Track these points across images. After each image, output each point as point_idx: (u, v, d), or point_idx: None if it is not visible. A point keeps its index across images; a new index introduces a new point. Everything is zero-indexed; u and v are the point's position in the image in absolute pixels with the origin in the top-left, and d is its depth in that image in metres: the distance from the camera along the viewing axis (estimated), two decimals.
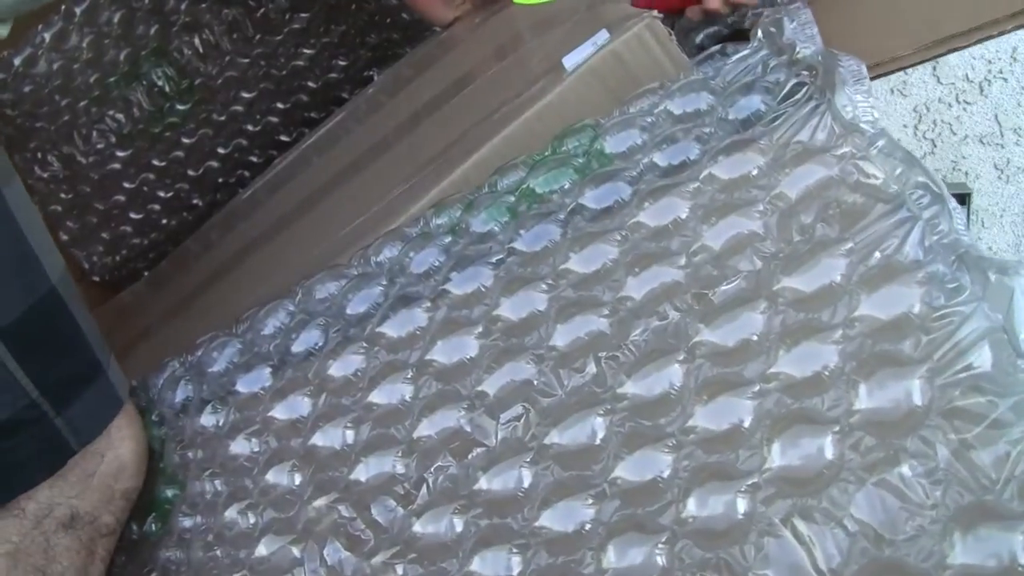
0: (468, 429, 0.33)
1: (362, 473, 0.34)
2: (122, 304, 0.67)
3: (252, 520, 0.38)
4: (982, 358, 0.25)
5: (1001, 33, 0.42)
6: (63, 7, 0.60)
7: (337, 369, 0.39)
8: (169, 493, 0.46)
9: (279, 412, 0.39)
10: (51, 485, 0.42)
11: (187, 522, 0.42)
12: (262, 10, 0.65)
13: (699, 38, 0.53)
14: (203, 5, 0.62)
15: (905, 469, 0.24)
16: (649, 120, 0.38)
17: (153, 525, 0.46)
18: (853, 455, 0.25)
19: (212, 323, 0.53)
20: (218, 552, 0.38)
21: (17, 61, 0.61)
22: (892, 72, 0.47)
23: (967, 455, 0.24)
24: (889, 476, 0.24)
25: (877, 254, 0.28)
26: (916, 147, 0.78)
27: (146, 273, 0.71)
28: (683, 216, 0.33)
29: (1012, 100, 0.72)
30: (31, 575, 0.41)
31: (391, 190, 0.48)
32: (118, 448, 0.45)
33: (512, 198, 0.39)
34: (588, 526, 0.28)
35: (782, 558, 0.24)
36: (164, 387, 0.47)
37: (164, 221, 0.71)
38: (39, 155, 0.65)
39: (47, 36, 0.61)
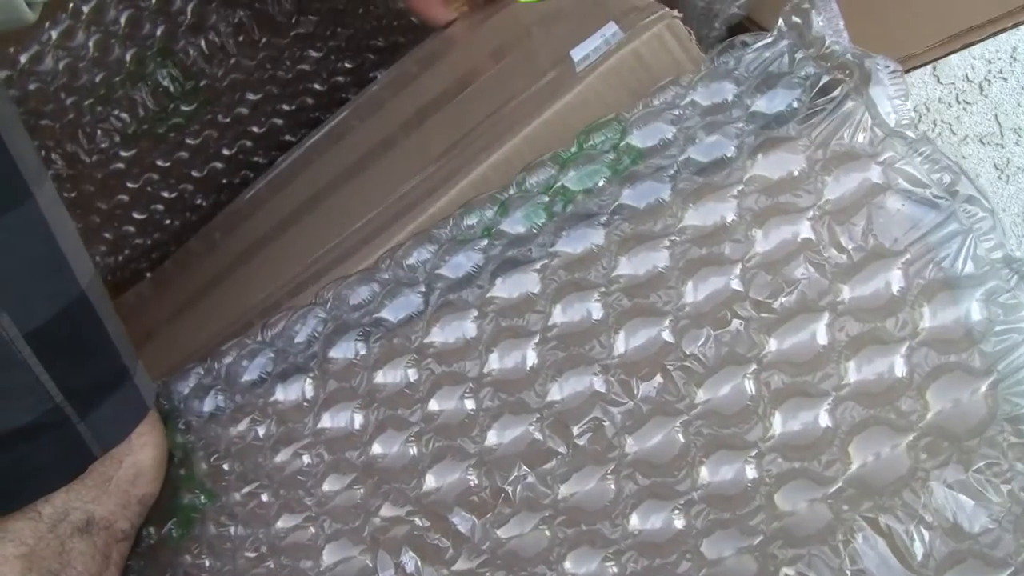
0: (541, 439, 0.33)
1: (433, 484, 0.34)
2: (126, 305, 0.66)
3: (312, 531, 0.37)
4: None
5: (1016, 25, 0.41)
6: (71, 5, 0.59)
7: (386, 379, 0.38)
8: (195, 501, 0.45)
9: (329, 424, 0.39)
10: (68, 489, 0.41)
11: (224, 531, 0.42)
12: (268, 13, 0.64)
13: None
14: (210, 6, 0.61)
15: (976, 469, 0.26)
16: (676, 113, 0.37)
17: (173, 531, 0.45)
18: (926, 457, 0.26)
19: (218, 323, 0.53)
20: (271, 563, 0.38)
21: (23, 58, 0.59)
22: (907, 72, 0.47)
23: None
24: (962, 476, 0.26)
25: (931, 266, 0.29)
26: None
27: (149, 274, 0.70)
28: (730, 220, 0.33)
29: (1012, 100, 0.72)
30: None
31: (400, 187, 0.47)
32: (138, 454, 0.44)
33: (546, 197, 0.39)
34: (679, 531, 0.29)
35: (871, 554, 0.26)
36: (191, 395, 0.46)
37: (167, 221, 0.69)
38: (43, 153, 0.63)
39: (54, 34, 0.59)
